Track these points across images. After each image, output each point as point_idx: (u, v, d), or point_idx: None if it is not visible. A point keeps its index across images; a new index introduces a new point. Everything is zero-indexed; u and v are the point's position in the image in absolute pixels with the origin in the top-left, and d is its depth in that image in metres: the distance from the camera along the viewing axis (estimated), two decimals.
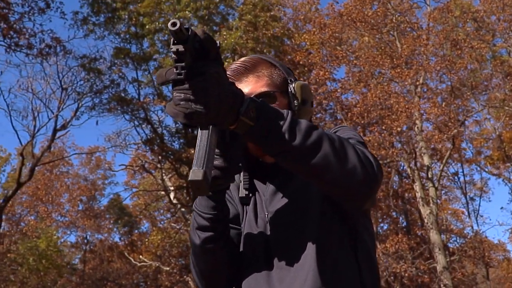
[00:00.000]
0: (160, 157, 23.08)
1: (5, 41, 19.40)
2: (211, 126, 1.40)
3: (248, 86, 1.79)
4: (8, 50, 19.79)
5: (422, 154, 19.94)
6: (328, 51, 21.52)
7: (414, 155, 20.00)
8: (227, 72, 1.82)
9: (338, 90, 21.35)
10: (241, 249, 1.81)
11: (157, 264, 26.79)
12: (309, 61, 21.15)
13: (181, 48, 1.26)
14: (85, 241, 33.21)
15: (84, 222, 31.75)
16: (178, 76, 1.29)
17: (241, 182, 1.85)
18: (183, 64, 1.28)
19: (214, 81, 1.31)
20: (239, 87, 1.78)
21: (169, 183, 25.24)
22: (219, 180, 1.56)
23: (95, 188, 34.10)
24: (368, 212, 1.85)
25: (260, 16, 20.42)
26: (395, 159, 20.26)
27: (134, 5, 21.04)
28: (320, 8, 24.80)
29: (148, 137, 22.21)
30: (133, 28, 21.72)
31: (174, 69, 1.29)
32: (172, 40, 1.28)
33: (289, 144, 1.40)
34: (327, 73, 20.68)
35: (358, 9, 20.66)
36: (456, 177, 28.65)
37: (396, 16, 21.22)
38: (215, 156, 1.54)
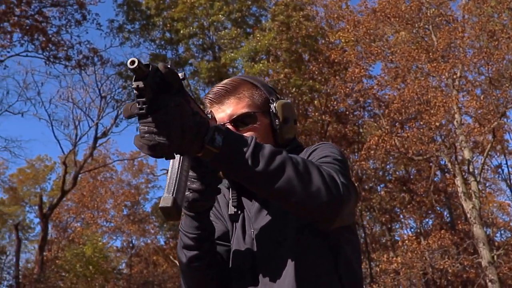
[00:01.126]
0: None
1: (44, 53, 19.93)
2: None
3: (230, 107, 1.85)
4: (47, 62, 20.31)
5: (463, 148, 19.60)
6: (363, 48, 21.37)
7: (454, 149, 19.69)
8: (209, 95, 1.89)
9: (375, 87, 21.19)
10: (230, 265, 1.86)
11: None
12: (344, 59, 21.04)
13: (141, 84, 1.31)
14: (131, 245, 33.69)
15: (129, 227, 32.15)
16: (140, 111, 1.34)
17: (230, 199, 1.91)
18: (144, 99, 1.33)
19: (176, 113, 1.36)
20: (217, 112, 1.86)
21: None
22: (198, 203, 1.63)
23: (139, 192, 34.50)
24: (353, 226, 1.87)
25: (292, 16, 20.42)
26: (434, 154, 19.98)
27: (168, 11, 21.28)
28: (350, 5, 24.65)
29: None
30: (167, 34, 21.99)
31: (137, 104, 1.34)
32: (133, 76, 1.33)
33: (252, 170, 1.44)
34: (362, 70, 20.54)
35: (392, 5, 20.43)
36: (500, 169, 28.13)
37: (432, 10, 20.91)
38: (192, 180, 1.61)
